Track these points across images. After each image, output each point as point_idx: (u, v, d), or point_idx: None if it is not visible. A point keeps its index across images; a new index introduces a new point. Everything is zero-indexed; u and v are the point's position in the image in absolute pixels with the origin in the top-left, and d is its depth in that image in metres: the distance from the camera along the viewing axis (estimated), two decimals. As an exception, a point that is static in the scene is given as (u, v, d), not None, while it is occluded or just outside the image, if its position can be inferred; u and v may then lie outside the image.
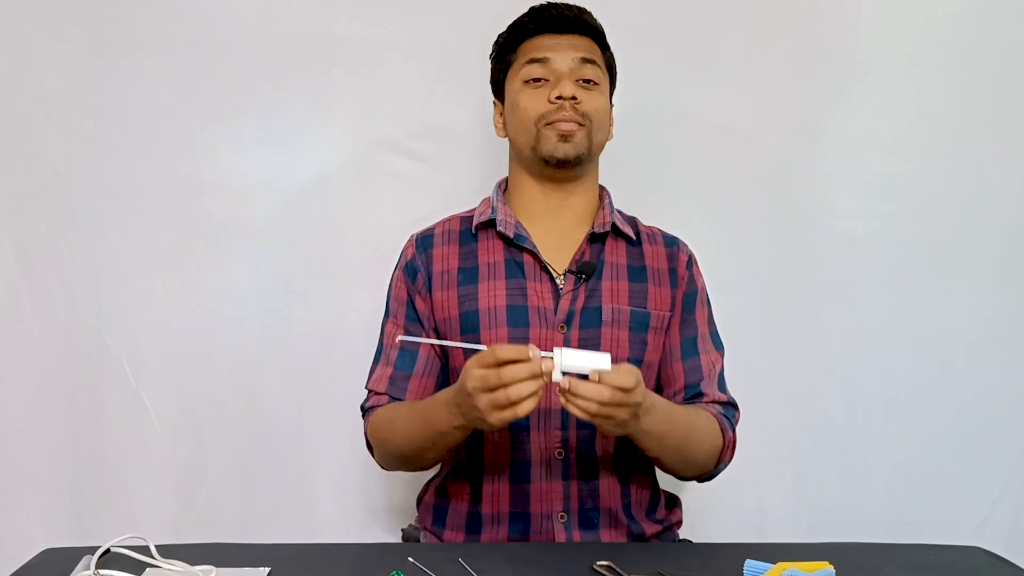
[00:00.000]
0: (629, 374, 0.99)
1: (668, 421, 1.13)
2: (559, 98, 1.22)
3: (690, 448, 1.20)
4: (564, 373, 0.97)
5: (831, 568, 0.93)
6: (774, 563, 0.93)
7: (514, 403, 0.96)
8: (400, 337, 1.23)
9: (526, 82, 1.26)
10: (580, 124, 1.24)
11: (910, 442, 1.70)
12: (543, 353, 0.96)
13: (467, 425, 1.07)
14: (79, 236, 1.64)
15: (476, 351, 1.01)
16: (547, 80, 1.25)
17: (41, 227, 1.64)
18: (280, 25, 1.62)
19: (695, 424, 1.20)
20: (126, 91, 1.62)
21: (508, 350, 0.97)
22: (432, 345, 1.27)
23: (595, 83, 1.26)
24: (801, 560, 0.93)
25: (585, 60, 1.25)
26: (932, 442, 1.70)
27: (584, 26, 1.28)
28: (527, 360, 0.96)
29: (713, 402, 1.26)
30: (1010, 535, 1.71)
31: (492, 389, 0.97)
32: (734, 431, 1.26)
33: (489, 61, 1.35)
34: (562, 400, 0.98)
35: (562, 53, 1.25)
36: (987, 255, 1.69)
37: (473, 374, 0.99)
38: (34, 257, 1.64)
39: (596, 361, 0.97)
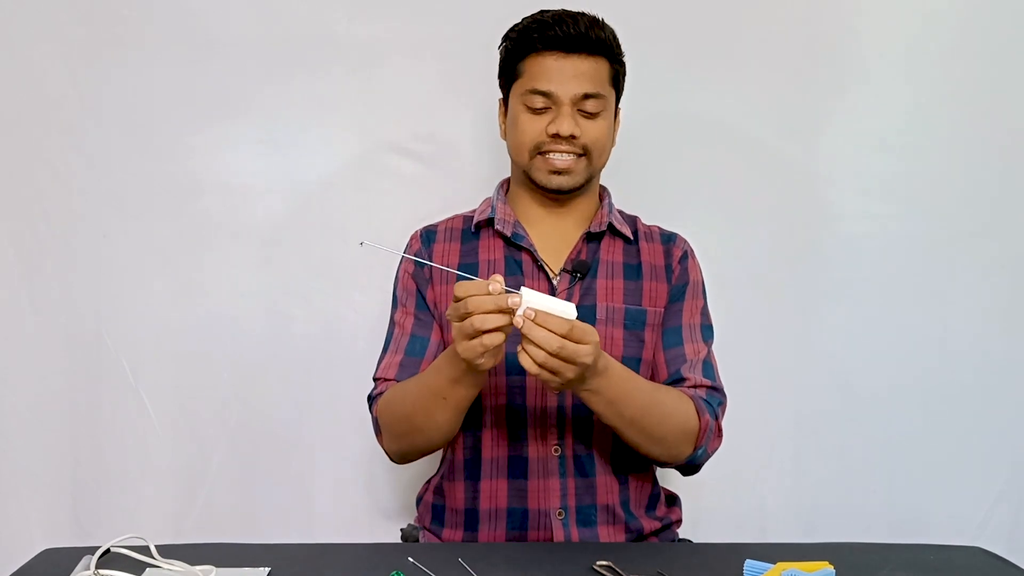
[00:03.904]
0: (586, 331, 1.00)
1: (624, 388, 1.11)
2: (556, 134, 1.21)
3: (651, 422, 1.16)
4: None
5: (831, 568, 0.93)
6: (774, 563, 0.93)
7: (482, 334, 0.98)
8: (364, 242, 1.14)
9: (527, 104, 1.24)
10: (578, 155, 1.24)
11: (910, 442, 1.70)
12: (515, 291, 0.98)
13: (464, 369, 1.06)
14: (79, 236, 1.64)
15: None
16: (547, 108, 1.23)
17: (41, 227, 1.64)
18: (280, 25, 1.62)
19: (658, 398, 1.18)
20: (126, 91, 1.62)
21: (470, 285, 0.99)
22: (440, 331, 1.28)
23: (597, 109, 1.24)
24: (801, 560, 0.94)
25: (588, 96, 1.22)
26: (932, 442, 1.70)
27: (592, 45, 1.22)
28: (487, 294, 0.97)
29: (696, 387, 1.23)
30: (1010, 535, 1.71)
31: (462, 319, 0.99)
32: (716, 417, 1.22)
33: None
34: (519, 349, 0.99)
35: (565, 84, 1.21)
36: (987, 254, 1.69)
37: (451, 304, 1.01)
38: (34, 257, 1.64)
39: (560, 307, 0.99)
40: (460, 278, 1.16)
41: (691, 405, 1.20)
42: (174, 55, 1.62)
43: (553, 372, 1.00)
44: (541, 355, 0.98)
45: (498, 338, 0.98)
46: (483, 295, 0.97)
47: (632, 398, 1.13)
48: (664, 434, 1.18)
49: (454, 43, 1.63)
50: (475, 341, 0.98)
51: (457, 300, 0.99)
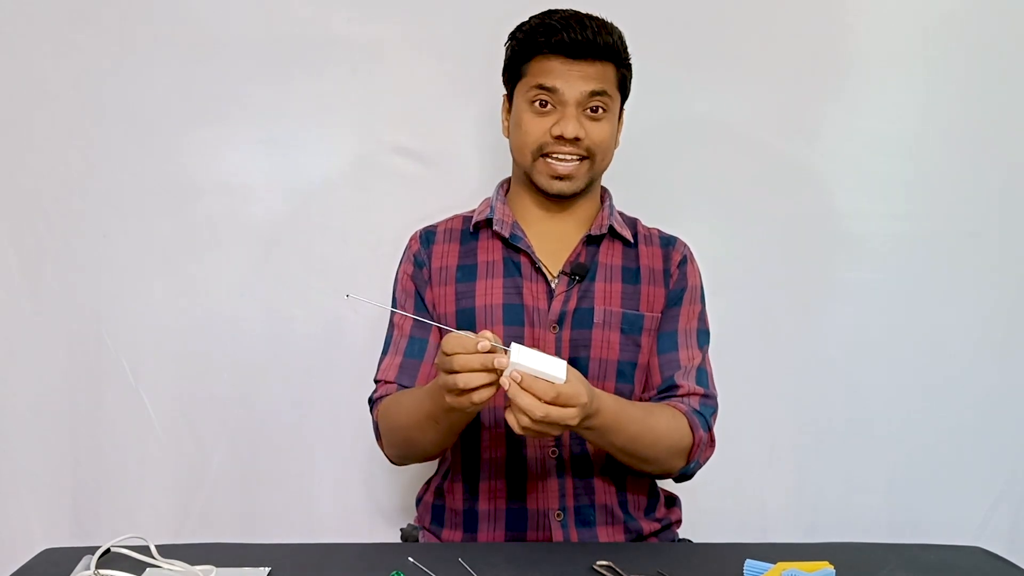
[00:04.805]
0: (572, 396, 0.97)
1: (616, 421, 1.09)
2: (561, 136, 1.20)
3: (642, 447, 1.15)
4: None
5: (831, 568, 0.93)
6: (774, 563, 0.93)
7: (466, 390, 0.96)
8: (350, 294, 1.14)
9: (532, 103, 1.23)
10: (581, 158, 1.23)
11: (910, 442, 1.70)
12: (504, 348, 0.95)
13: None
14: (79, 236, 1.64)
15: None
16: (553, 107, 1.21)
17: (41, 227, 1.64)
18: (280, 25, 1.62)
19: (650, 424, 1.16)
20: (126, 91, 1.62)
21: (457, 340, 0.96)
22: (439, 333, 1.27)
23: (603, 110, 1.23)
24: (801, 560, 0.94)
25: (595, 93, 1.20)
26: (932, 442, 1.70)
27: (599, 51, 1.20)
28: (474, 352, 0.95)
29: (687, 395, 1.23)
30: (1010, 535, 1.71)
31: (448, 372, 0.97)
32: (708, 428, 1.22)
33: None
34: (507, 417, 0.97)
35: (571, 83, 1.20)
36: (987, 256, 1.69)
37: (439, 355, 0.99)
38: (34, 257, 1.64)
39: (550, 367, 0.96)
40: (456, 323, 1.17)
41: (684, 422, 1.19)
42: (174, 55, 1.62)
43: (538, 433, 0.98)
44: (525, 420, 0.96)
45: (486, 394, 0.96)
46: (470, 353, 0.95)
47: (624, 428, 1.12)
48: (656, 455, 1.18)
49: (454, 43, 1.63)
50: (462, 398, 0.97)
51: (445, 355, 0.97)
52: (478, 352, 0.95)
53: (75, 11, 1.60)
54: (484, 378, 0.95)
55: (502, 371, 0.95)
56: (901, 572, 1.04)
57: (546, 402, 0.96)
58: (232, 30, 1.62)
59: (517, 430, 0.98)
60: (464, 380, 0.95)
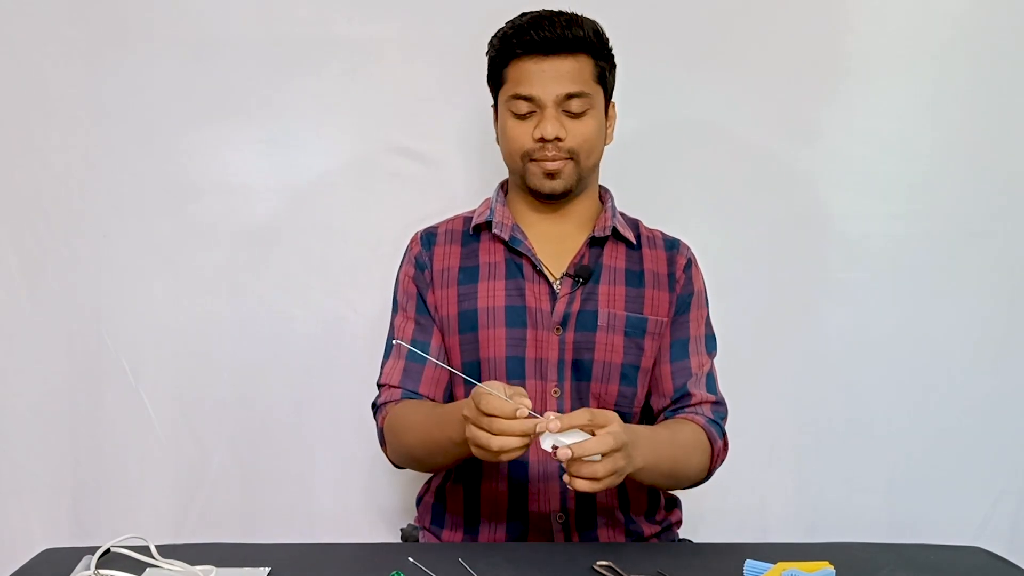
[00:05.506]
0: (602, 414, 0.98)
1: (654, 447, 1.10)
2: (542, 138, 1.20)
3: (680, 467, 1.18)
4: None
5: (831, 568, 0.93)
6: (774, 563, 0.93)
7: (496, 450, 0.96)
8: (397, 340, 1.23)
9: (512, 110, 1.23)
10: (568, 158, 1.22)
11: (910, 442, 1.70)
12: (533, 413, 0.95)
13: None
14: (79, 236, 1.64)
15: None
16: (533, 112, 1.21)
17: (41, 227, 1.64)
18: (280, 25, 1.62)
19: (680, 442, 1.18)
20: (126, 91, 1.62)
21: (496, 403, 0.95)
22: (440, 336, 1.27)
23: (584, 107, 1.21)
24: (801, 560, 0.94)
25: (570, 96, 1.20)
26: (932, 442, 1.70)
27: (570, 45, 1.19)
28: (512, 417, 0.94)
29: (701, 403, 1.24)
30: (1010, 535, 1.71)
31: (481, 429, 0.96)
32: (724, 436, 1.24)
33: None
34: (574, 484, 0.96)
35: (546, 86, 1.19)
36: (988, 256, 1.69)
37: (470, 404, 0.98)
38: (34, 257, 1.64)
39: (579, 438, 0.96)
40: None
41: (703, 436, 1.21)
42: (174, 55, 1.62)
43: (614, 472, 0.97)
44: (600, 468, 0.95)
45: (515, 455, 0.97)
46: (510, 418, 0.94)
47: (663, 453, 1.12)
48: (689, 473, 1.21)
49: (454, 42, 1.62)
50: (487, 455, 0.97)
51: (483, 414, 0.96)
52: (518, 419, 0.94)
53: (75, 11, 1.60)
54: (520, 442, 0.95)
55: (538, 435, 0.95)
56: (901, 572, 1.04)
57: (590, 432, 0.96)
58: (232, 30, 1.62)
59: (597, 486, 0.96)
60: (500, 443, 0.95)
